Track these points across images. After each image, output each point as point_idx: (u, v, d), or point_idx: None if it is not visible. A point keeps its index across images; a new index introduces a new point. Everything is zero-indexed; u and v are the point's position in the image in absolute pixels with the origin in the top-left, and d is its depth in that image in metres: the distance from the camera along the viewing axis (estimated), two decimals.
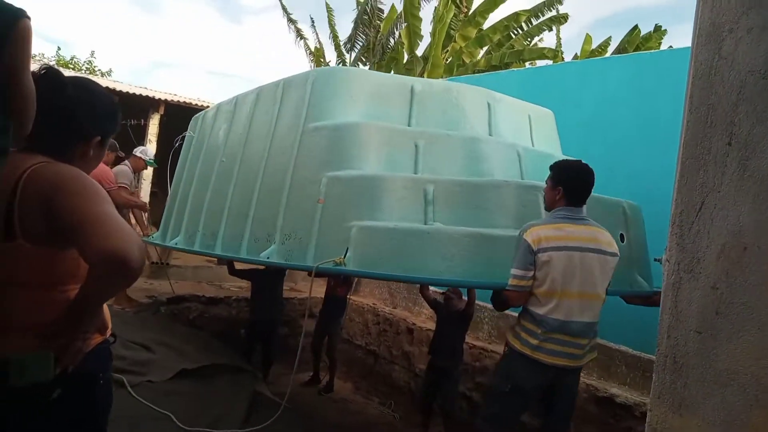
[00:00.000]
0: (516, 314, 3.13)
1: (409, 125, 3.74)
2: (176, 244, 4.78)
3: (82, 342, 1.42)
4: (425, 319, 5.48)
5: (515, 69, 10.84)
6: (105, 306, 1.54)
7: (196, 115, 5.53)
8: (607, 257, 2.93)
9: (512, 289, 2.86)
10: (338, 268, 3.07)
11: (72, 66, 22.31)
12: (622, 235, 3.30)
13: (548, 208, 3.04)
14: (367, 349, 5.95)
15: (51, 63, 20.01)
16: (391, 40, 15.12)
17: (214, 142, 4.76)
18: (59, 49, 38.04)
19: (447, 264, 2.99)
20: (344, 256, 3.05)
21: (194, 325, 5.55)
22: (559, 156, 4.26)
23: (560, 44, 13.03)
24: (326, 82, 3.74)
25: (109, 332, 1.59)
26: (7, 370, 1.33)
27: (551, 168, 3.06)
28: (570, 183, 2.94)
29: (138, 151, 6.29)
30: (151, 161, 6.29)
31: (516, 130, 4.27)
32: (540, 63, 13.75)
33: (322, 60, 17.45)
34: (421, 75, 14.37)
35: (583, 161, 3.10)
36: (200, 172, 4.79)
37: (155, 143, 8.66)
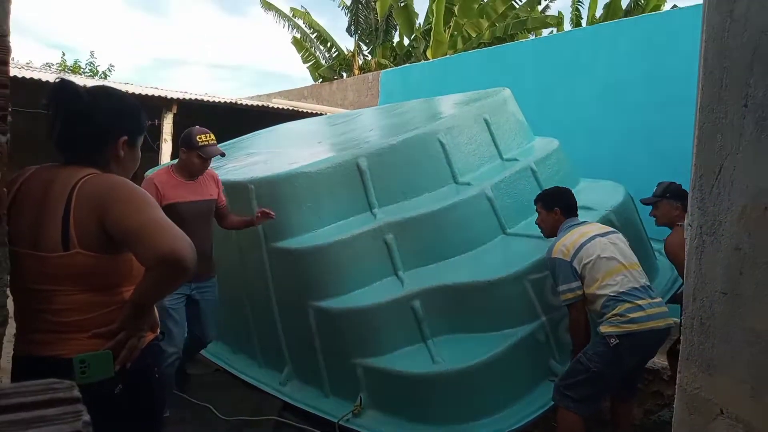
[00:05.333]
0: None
1: (371, 210, 3.51)
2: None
3: (138, 340, 1.50)
4: None
5: (522, 40, 10.70)
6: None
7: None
8: (615, 235, 3.19)
9: (573, 301, 3.00)
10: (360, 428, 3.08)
11: (76, 70, 22.42)
12: None
13: (551, 232, 3.32)
14: None
15: (57, 69, 20.16)
16: (390, 22, 15.01)
17: None
18: (63, 54, 38.42)
19: (466, 406, 2.99)
20: (360, 404, 3.13)
21: None
22: (528, 149, 4.44)
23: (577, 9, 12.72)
24: (271, 197, 3.47)
25: (158, 330, 1.66)
26: (71, 370, 1.40)
27: (539, 199, 3.40)
28: (563, 202, 3.35)
29: None
30: None
31: (478, 150, 4.07)
32: (545, 32, 13.54)
33: (324, 48, 17.29)
34: (425, 53, 14.23)
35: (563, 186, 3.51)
36: None
37: (170, 142, 8.73)
